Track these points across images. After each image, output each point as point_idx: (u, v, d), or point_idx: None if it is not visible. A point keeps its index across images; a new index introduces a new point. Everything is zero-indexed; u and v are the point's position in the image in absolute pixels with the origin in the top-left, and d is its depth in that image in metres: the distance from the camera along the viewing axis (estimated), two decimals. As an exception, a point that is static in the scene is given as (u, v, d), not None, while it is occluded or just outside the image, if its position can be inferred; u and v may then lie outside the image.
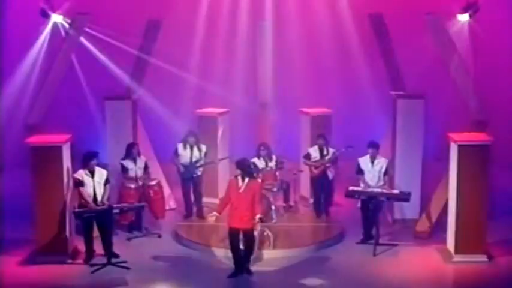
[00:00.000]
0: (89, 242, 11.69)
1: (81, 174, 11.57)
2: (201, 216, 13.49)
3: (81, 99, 15.81)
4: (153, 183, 12.90)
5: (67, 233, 11.65)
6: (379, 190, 12.14)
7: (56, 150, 11.57)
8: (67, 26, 13.60)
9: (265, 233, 12.01)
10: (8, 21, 14.94)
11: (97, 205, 11.45)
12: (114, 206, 11.50)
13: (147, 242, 12.59)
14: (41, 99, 13.18)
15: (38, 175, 11.54)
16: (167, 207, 13.58)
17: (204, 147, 13.44)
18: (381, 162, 12.37)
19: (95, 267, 11.27)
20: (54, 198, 11.54)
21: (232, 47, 16.16)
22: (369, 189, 12.21)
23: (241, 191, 10.74)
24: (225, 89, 16.07)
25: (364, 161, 12.39)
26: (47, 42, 14.14)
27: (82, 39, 13.79)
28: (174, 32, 15.55)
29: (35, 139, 11.86)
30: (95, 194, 11.55)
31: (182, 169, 13.32)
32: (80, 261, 11.65)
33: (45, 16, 13.81)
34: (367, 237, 12.31)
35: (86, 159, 11.59)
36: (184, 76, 16.02)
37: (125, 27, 14.50)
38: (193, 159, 13.31)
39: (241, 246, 11.03)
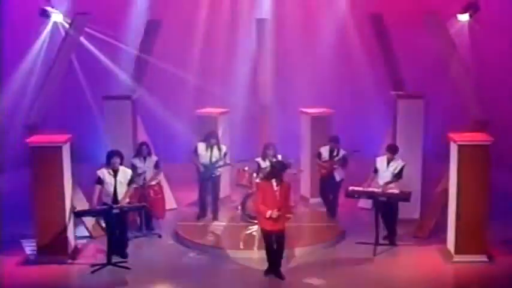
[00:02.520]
0: (109, 242, 11.44)
1: (104, 172, 11.56)
2: (215, 217, 13.44)
3: (81, 99, 15.81)
4: (153, 183, 12.89)
5: (67, 233, 11.65)
6: (379, 190, 12.14)
7: (56, 150, 11.57)
8: (67, 26, 13.61)
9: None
10: (8, 21, 14.93)
11: (117, 204, 11.40)
12: (114, 206, 11.49)
13: (147, 242, 12.59)
14: (41, 99, 13.19)
15: (38, 175, 11.54)
16: (167, 207, 13.56)
17: (224, 148, 13.38)
18: (396, 164, 12.34)
19: (95, 267, 11.27)
20: (54, 198, 11.53)
21: (232, 47, 16.16)
22: (370, 189, 12.21)
23: (277, 193, 10.73)
24: (225, 89, 16.07)
25: (381, 161, 12.39)
26: (47, 42, 14.15)
27: (82, 39, 13.79)
28: (174, 32, 15.56)
29: (35, 139, 11.85)
30: (115, 194, 11.52)
31: (202, 169, 13.29)
32: (80, 261, 11.63)
33: (45, 16, 13.82)
34: (391, 235, 12.30)
35: (107, 158, 11.58)
36: (184, 76, 16.02)
37: (126, 26, 14.52)
38: (213, 159, 13.30)
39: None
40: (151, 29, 14.12)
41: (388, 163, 12.33)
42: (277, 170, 10.86)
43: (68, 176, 11.76)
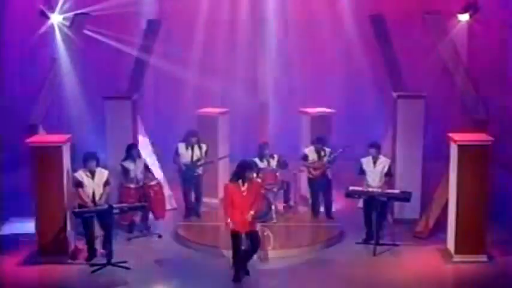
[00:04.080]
0: (90, 241, 11.70)
1: (81, 174, 11.59)
2: (199, 215, 13.52)
3: (81, 99, 15.80)
4: (153, 183, 12.88)
5: (67, 233, 11.65)
6: (379, 190, 12.14)
7: (56, 150, 11.57)
8: (67, 26, 13.62)
9: (265, 233, 12.00)
10: (8, 21, 14.94)
11: (96, 206, 11.46)
12: (114, 206, 11.50)
13: (147, 242, 12.59)
14: (41, 99, 13.20)
15: (38, 175, 11.54)
16: (167, 207, 13.57)
17: (204, 146, 13.44)
18: (383, 163, 12.36)
19: (95, 267, 11.27)
20: (54, 198, 11.53)
21: (232, 47, 16.16)
22: (370, 189, 12.21)
23: (244, 194, 10.65)
24: (225, 89, 16.06)
25: (366, 161, 12.38)
26: (47, 42, 14.15)
27: (81, 39, 13.79)
28: (174, 32, 15.57)
29: (35, 139, 11.85)
30: (94, 195, 11.56)
31: (184, 168, 13.33)
32: (80, 261, 11.64)
33: (45, 16, 13.83)
34: (369, 237, 12.29)
35: (84, 160, 11.62)
36: (185, 76, 16.02)
37: (125, 27, 14.52)
38: (195, 158, 13.33)
39: (244, 247, 10.87)
40: (152, 29, 14.12)
41: (375, 162, 12.32)
42: (240, 170, 10.72)
43: (68, 176, 11.75)
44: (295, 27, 16.02)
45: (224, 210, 10.87)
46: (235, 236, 10.75)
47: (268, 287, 10.85)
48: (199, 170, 13.44)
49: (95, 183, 11.58)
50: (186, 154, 13.32)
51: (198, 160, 13.35)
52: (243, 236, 10.78)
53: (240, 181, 10.68)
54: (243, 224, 10.64)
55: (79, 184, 11.55)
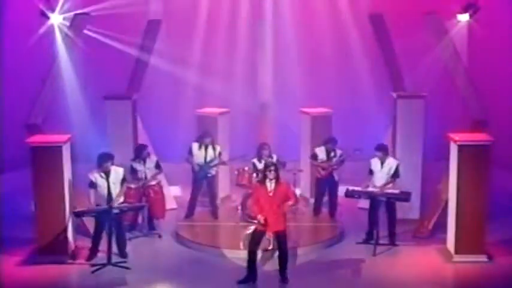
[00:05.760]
0: (96, 241, 11.67)
1: (95, 175, 11.54)
2: (216, 216, 13.47)
3: (81, 99, 15.79)
4: (153, 183, 12.88)
5: (67, 233, 11.65)
6: (378, 190, 12.14)
7: (56, 150, 11.56)
8: (66, 26, 13.63)
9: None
10: (8, 21, 14.93)
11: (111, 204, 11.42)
12: (114, 206, 11.49)
13: (147, 242, 12.59)
14: (41, 99, 13.19)
15: (38, 175, 11.53)
16: (167, 207, 13.56)
17: (218, 147, 13.42)
18: (390, 164, 12.34)
19: (95, 267, 11.27)
20: (54, 198, 11.53)
21: (233, 47, 16.15)
22: (369, 189, 12.22)
23: (271, 194, 10.59)
24: (225, 89, 16.06)
25: (374, 162, 12.38)
26: (47, 42, 14.15)
27: (81, 39, 13.79)
28: (175, 32, 15.57)
29: (35, 139, 11.85)
30: (110, 195, 11.51)
31: (197, 168, 13.31)
32: (80, 261, 11.65)
33: (45, 16, 13.84)
34: (369, 237, 12.29)
35: (100, 161, 11.52)
36: (185, 76, 16.01)
37: (125, 27, 14.52)
38: (208, 159, 13.31)
39: (271, 247, 10.89)
40: (152, 29, 14.12)
41: (382, 164, 12.32)
42: (263, 171, 10.67)
43: (68, 176, 11.76)
44: (295, 27, 16.01)
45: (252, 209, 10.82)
46: (257, 235, 10.71)
47: (268, 287, 10.85)
48: (213, 171, 13.42)
49: (110, 183, 11.52)
50: (199, 154, 13.29)
51: (212, 161, 13.32)
52: (271, 238, 10.74)
53: (267, 182, 10.63)
54: (270, 224, 10.57)
55: (92, 185, 11.52)
